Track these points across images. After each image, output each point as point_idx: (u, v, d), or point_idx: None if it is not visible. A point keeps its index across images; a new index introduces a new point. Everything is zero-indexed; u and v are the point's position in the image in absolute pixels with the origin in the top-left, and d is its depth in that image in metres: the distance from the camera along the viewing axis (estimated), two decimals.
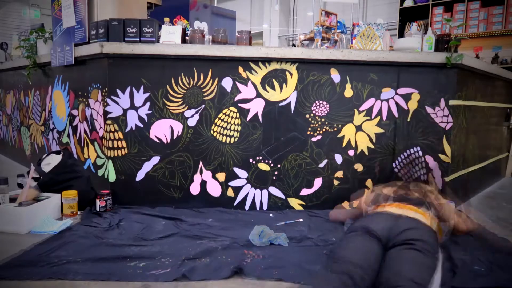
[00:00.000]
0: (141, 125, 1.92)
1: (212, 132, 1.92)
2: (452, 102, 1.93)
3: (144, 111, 1.92)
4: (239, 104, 1.91)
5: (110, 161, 1.94)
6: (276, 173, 1.95)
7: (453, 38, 1.97)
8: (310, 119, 1.92)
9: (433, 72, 1.91)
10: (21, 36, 3.16)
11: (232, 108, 1.91)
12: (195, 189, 1.96)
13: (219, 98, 1.91)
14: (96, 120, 2.01)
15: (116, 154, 1.94)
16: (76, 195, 1.79)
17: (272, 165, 1.94)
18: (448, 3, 4.41)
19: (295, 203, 1.97)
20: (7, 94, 3.31)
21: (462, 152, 2.14)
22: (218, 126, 1.92)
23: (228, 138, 1.93)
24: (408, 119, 1.93)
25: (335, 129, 1.93)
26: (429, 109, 1.93)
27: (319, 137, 1.93)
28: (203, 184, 1.95)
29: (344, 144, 1.93)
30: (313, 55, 1.86)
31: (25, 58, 2.62)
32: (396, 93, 1.92)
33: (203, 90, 1.91)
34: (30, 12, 5.40)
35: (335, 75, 1.90)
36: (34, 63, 2.56)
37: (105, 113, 1.92)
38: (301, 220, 1.79)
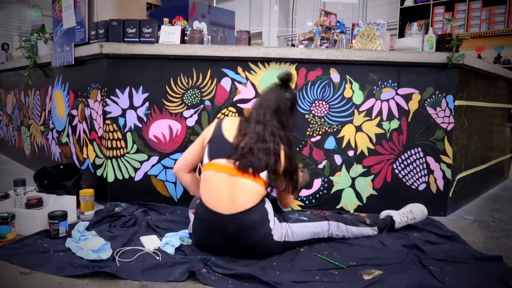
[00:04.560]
0: (140, 125, 1.91)
1: None
2: (453, 103, 1.92)
3: (143, 111, 1.91)
4: (238, 104, 1.90)
5: (109, 161, 1.93)
6: None
7: (455, 38, 1.95)
8: (309, 120, 1.91)
9: (434, 72, 1.89)
10: (22, 37, 3.17)
11: (231, 108, 1.90)
12: None
13: (218, 98, 1.90)
14: (95, 120, 2.00)
15: (115, 154, 1.93)
16: (92, 193, 1.77)
17: None
18: (449, 3, 4.39)
19: (294, 204, 1.95)
20: (8, 94, 3.32)
21: (464, 153, 2.12)
22: None
23: None
24: (409, 120, 1.92)
25: (335, 129, 1.91)
26: (430, 110, 1.91)
27: (318, 137, 1.91)
28: None
29: (343, 145, 1.92)
30: (312, 55, 1.85)
31: (26, 58, 2.63)
32: (397, 93, 1.91)
33: (202, 90, 1.90)
34: (31, 13, 5.42)
35: (335, 75, 1.89)
36: (35, 63, 2.56)
37: (104, 113, 1.92)
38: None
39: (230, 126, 1.42)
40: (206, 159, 1.40)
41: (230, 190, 1.31)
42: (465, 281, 1.21)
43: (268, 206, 1.37)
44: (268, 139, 1.34)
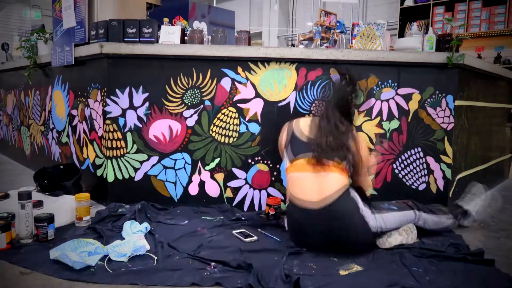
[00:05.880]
0: (140, 125, 1.91)
1: (210, 132, 1.92)
2: (453, 103, 1.92)
3: (143, 111, 1.91)
4: (238, 104, 1.90)
5: (109, 161, 1.93)
6: (275, 173, 1.93)
7: (455, 38, 1.95)
8: None
9: (434, 72, 1.89)
10: (22, 37, 3.17)
11: (231, 108, 1.90)
12: (193, 189, 1.95)
13: (218, 98, 1.90)
14: (95, 120, 2.00)
15: (115, 154, 1.93)
16: (88, 197, 1.70)
17: (271, 165, 1.93)
18: (449, 3, 4.40)
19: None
20: (8, 94, 3.32)
21: (464, 153, 2.12)
22: (217, 126, 1.91)
23: (226, 138, 1.92)
24: (409, 120, 1.92)
25: None
26: (430, 110, 1.91)
27: None
28: (202, 184, 1.94)
29: None
30: (312, 55, 1.85)
31: (26, 58, 2.63)
32: (397, 93, 1.91)
33: (202, 90, 1.90)
34: (31, 13, 5.42)
35: (335, 75, 1.89)
36: (35, 63, 2.57)
37: (104, 113, 1.92)
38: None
39: (302, 126, 1.55)
40: (287, 163, 1.52)
41: (315, 186, 1.41)
42: (443, 282, 1.20)
43: (354, 194, 1.43)
44: (335, 132, 1.45)
